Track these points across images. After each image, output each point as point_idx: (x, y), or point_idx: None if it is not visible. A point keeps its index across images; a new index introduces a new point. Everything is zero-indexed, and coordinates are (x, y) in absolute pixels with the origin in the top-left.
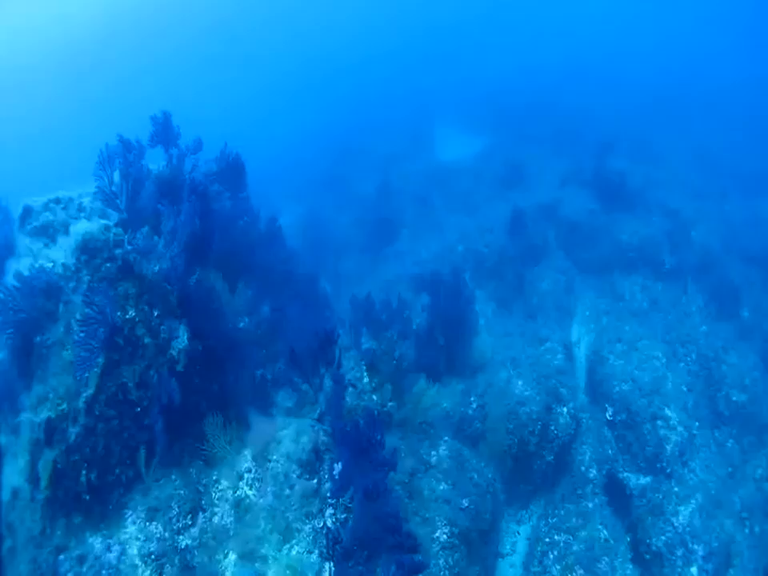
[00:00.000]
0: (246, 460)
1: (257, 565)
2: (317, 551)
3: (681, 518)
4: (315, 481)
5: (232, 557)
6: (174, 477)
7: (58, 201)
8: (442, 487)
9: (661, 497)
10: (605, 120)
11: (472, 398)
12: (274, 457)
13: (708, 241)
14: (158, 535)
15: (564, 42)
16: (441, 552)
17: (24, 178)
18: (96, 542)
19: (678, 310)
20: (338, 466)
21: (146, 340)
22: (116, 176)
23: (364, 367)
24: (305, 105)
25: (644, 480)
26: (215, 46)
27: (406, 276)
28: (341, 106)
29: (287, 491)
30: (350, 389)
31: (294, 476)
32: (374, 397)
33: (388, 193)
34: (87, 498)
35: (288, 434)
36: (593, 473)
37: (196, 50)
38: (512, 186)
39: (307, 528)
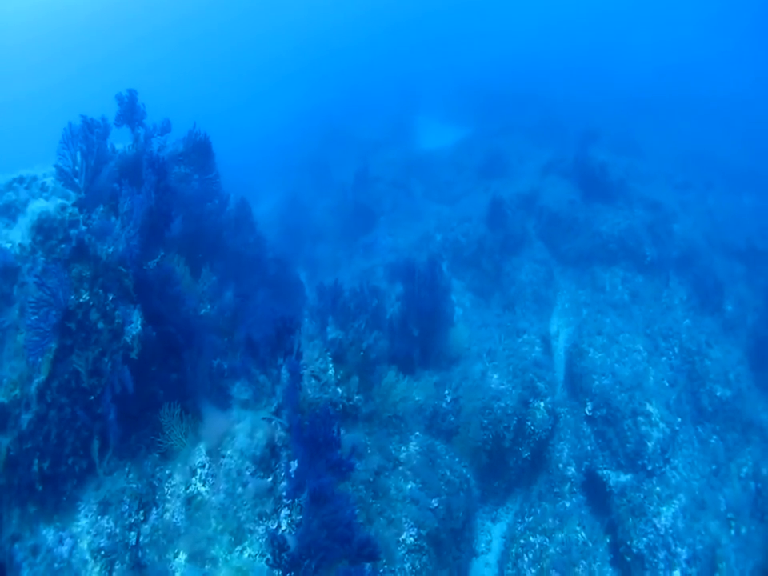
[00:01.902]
0: (200, 454)
1: (207, 567)
2: (269, 555)
3: (663, 519)
4: (270, 479)
5: (182, 557)
6: (127, 469)
7: (21, 180)
8: (410, 486)
9: (642, 496)
10: (590, 112)
11: (447, 391)
12: (228, 452)
13: (691, 234)
14: (109, 530)
15: (551, 32)
16: (407, 555)
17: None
18: (49, 534)
19: (660, 303)
20: (293, 464)
21: (100, 325)
22: (79, 155)
23: (329, 358)
24: (291, 90)
25: (624, 478)
26: (204, 26)
27: (381, 264)
28: (326, 91)
29: (240, 489)
30: (313, 381)
31: (248, 473)
32: (339, 390)
33: (367, 179)
34: (40, 488)
35: (243, 429)
36: (571, 470)
37: (184, 30)
38: (493, 175)
39: (260, 529)
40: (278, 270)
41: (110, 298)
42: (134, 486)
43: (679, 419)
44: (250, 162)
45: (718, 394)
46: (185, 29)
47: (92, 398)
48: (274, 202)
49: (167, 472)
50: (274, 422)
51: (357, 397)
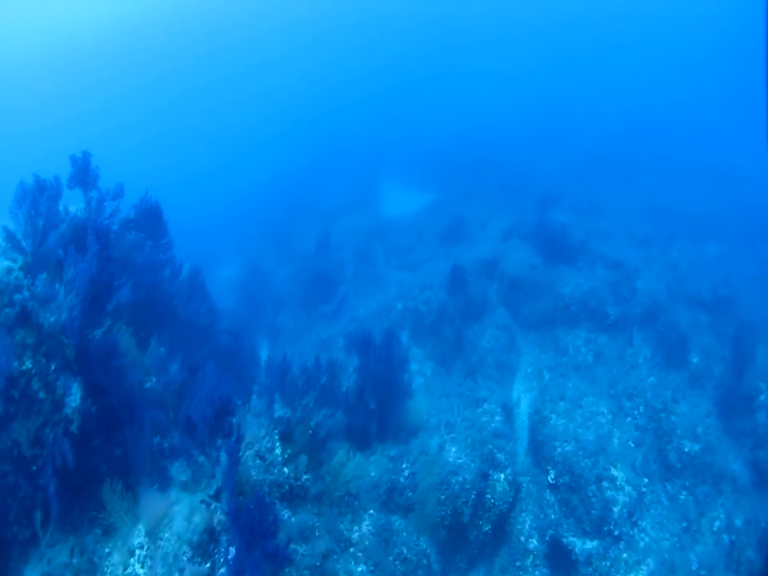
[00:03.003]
0: (139, 534)
1: None
2: None
3: None
4: (208, 565)
5: None
6: (70, 543)
7: None
8: (360, 569)
9: (608, 564)
10: (550, 175)
11: (404, 465)
12: (166, 535)
13: (654, 289)
14: None
15: (510, 101)
16: None
17: None
18: None
19: (624, 362)
20: (232, 550)
21: (42, 395)
22: (28, 218)
23: (276, 436)
24: (256, 157)
25: (590, 544)
26: (171, 93)
27: (341, 334)
28: (290, 159)
29: (176, 575)
30: (258, 461)
31: (185, 559)
32: (286, 469)
33: (328, 247)
34: None
35: (180, 511)
36: (533, 543)
37: (151, 96)
38: (454, 241)
39: None
40: (231, 342)
41: (53, 368)
42: (76, 561)
43: (646, 480)
44: (214, 228)
45: (686, 449)
46: (151, 95)
47: (34, 468)
48: (236, 268)
49: (107, 550)
50: (213, 506)
51: (305, 476)
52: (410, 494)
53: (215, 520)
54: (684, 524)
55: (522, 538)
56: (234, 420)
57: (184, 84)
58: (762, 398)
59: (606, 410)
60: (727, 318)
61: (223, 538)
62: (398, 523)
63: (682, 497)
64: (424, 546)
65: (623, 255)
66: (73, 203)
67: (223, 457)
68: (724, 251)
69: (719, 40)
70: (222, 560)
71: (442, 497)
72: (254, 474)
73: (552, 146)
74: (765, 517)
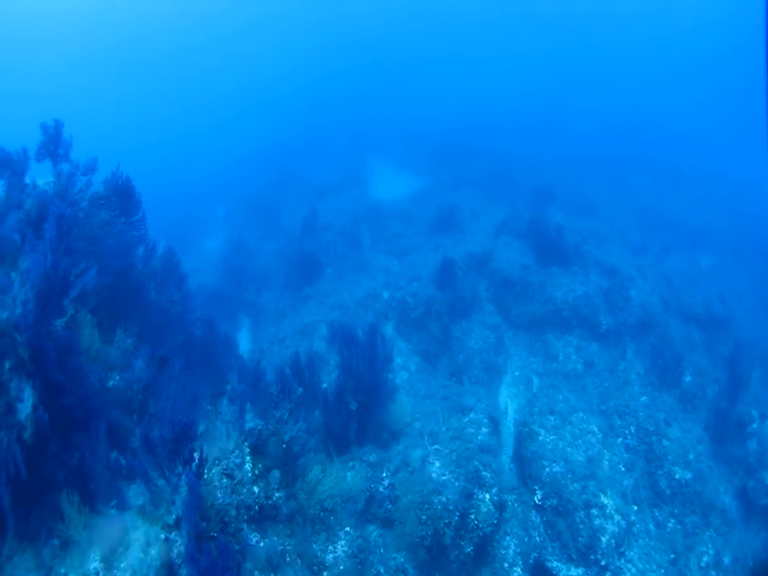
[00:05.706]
0: (95, 559)
1: None
2: None
3: None
4: None
5: None
6: (27, 556)
7: None
8: None
9: None
10: (544, 170)
11: (384, 474)
12: (122, 565)
13: (648, 300)
14: None
15: (508, 90)
16: None
17: None
18: None
19: (616, 376)
20: None
21: None
22: None
23: (247, 450)
24: (243, 127)
25: (575, 572)
26: (156, 57)
27: (325, 321)
28: (277, 132)
29: None
30: (225, 480)
31: None
32: (256, 488)
33: (315, 227)
34: None
35: (137, 539)
36: (517, 571)
37: (128, 57)
38: (445, 231)
39: None
40: (206, 331)
41: (7, 367)
42: None
43: (635, 507)
44: (202, 196)
45: (677, 476)
46: (128, 55)
47: None
48: (220, 241)
49: (63, 570)
50: (173, 536)
51: (277, 495)
52: (389, 505)
53: (174, 552)
54: (672, 555)
55: (506, 565)
56: (195, 445)
57: (171, 48)
58: (755, 425)
59: (596, 429)
60: (721, 336)
61: (183, 572)
62: (375, 534)
63: (670, 525)
64: (402, 561)
65: (618, 261)
66: (46, 175)
67: (183, 486)
68: (716, 264)
69: (723, 46)
70: None
71: (423, 516)
72: (219, 495)
73: (546, 139)
74: (751, 553)
